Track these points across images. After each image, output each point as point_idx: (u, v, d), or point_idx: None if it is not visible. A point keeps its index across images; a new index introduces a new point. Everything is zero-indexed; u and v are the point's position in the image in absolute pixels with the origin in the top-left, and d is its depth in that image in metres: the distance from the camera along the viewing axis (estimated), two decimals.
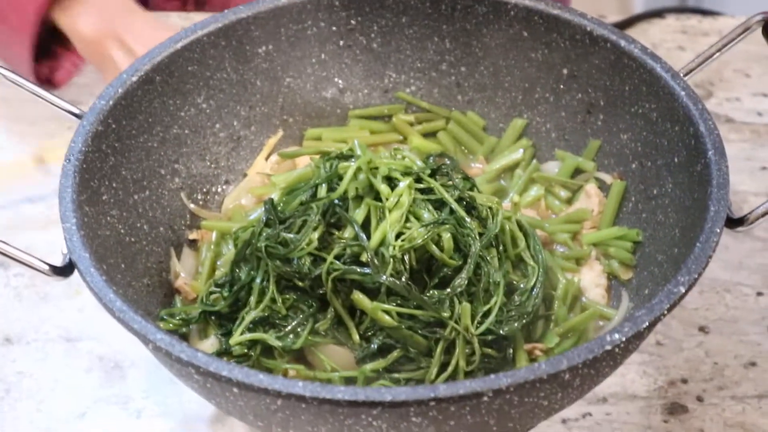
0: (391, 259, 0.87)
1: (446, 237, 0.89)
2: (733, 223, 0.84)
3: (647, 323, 0.75)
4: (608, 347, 0.74)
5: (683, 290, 0.78)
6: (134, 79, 0.97)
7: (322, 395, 0.71)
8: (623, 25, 1.41)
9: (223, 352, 0.91)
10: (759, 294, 1.09)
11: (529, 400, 0.76)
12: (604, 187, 1.04)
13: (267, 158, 1.09)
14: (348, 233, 0.89)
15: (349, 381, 0.88)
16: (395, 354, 0.88)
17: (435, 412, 0.73)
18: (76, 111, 0.95)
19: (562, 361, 0.73)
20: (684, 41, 1.39)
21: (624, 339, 0.74)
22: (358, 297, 0.87)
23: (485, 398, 0.71)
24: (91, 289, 0.80)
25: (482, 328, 0.88)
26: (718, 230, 0.81)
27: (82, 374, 1.04)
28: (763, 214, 0.83)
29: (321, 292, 0.89)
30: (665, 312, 0.77)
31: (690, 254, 0.80)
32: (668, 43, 1.39)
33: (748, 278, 1.11)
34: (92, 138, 0.92)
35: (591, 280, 0.98)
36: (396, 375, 0.88)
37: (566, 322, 0.94)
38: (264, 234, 0.92)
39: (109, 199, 0.93)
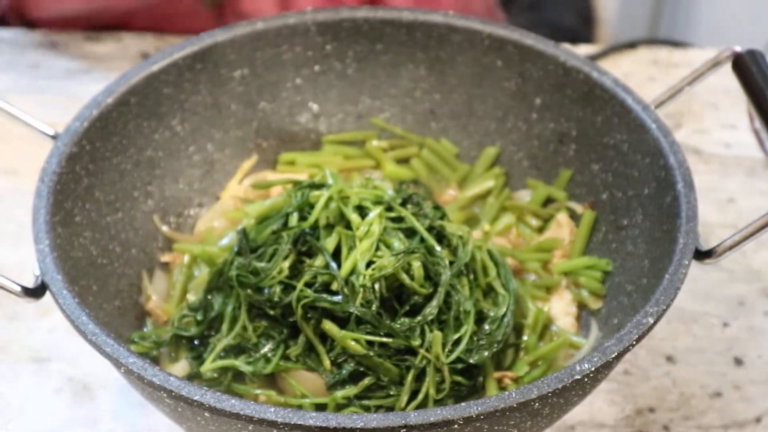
0: (362, 288, 0.87)
1: (416, 265, 0.89)
2: (702, 255, 0.85)
3: (616, 353, 0.76)
4: (577, 377, 0.74)
5: (652, 321, 0.79)
6: (109, 101, 0.96)
7: (294, 421, 0.71)
8: (596, 56, 1.42)
9: (194, 376, 0.91)
10: (725, 325, 1.11)
11: (498, 428, 0.76)
12: (575, 216, 1.05)
13: (240, 182, 1.09)
14: (319, 262, 0.90)
15: (320, 407, 0.88)
16: (366, 381, 0.88)
17: None
18: (51, 132, 0.95)
19: (532, 390, 0.73)
20: (655, 72, 1.41)
21: (593, 369, 0.75)
22: (328, 326, 0.88)
23: (456, 426, 0.72)
24: (63, 312, 0.80)
25: (453, 356, 0.88)
26: (687, 262, 0.82)
27: (51, 395, 1.03)
28: (731, 247, 0.83)
29: (292, 320, 0.89)
30: (634, 342, 0.77)
31: (659, 285, 0.81)
32: (639, 73, 1.40)
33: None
34: (66, 159, 0.91)
35: (561, 308, 0.99)
36: (366, 402, 0.88)
37: (536, 351, 0.95)
38: (236, 263, 0.92)
39: (82, 221, 0.92)
